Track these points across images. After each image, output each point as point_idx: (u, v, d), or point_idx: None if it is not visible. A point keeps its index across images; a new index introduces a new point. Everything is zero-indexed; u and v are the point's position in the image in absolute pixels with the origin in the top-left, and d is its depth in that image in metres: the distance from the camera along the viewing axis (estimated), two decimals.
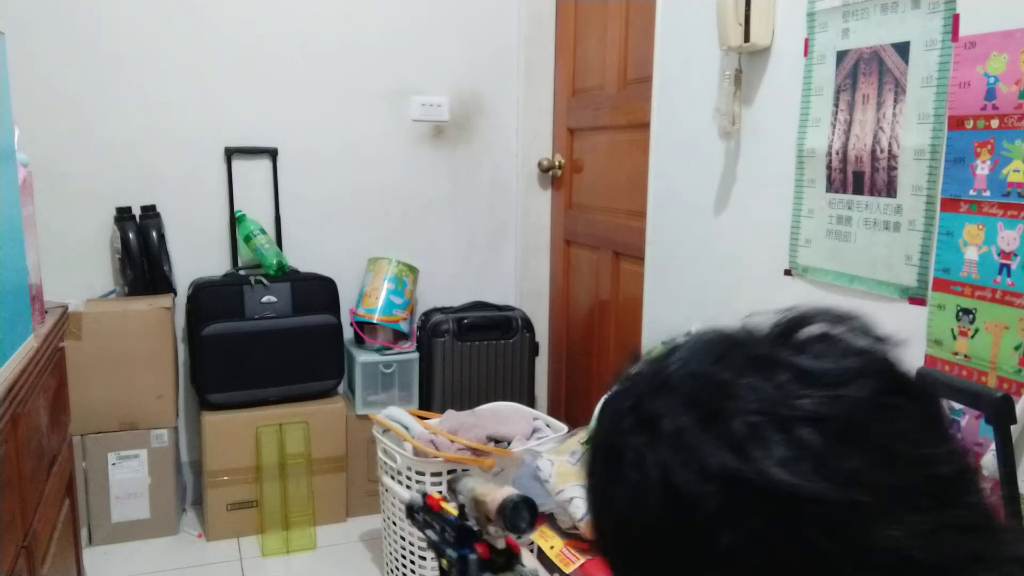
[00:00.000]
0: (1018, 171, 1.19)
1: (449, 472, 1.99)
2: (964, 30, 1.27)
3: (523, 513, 1.06)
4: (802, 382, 0.50)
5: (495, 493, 1.10)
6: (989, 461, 1.21)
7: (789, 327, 0.55)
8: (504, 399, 2.54)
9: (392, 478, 2.07)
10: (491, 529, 1.09)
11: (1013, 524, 0.53)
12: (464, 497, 1.16)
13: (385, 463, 2.10)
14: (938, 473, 0.50)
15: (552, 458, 1.71)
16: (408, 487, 2.01)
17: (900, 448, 0.49)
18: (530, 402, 2.70)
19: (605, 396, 0.60)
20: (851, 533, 0.47)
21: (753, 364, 0.52)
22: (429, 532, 1.23)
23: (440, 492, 1.36)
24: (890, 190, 1.41)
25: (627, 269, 2.44)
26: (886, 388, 0.51)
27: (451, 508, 1.21)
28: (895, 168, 1.40)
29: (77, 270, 2.49)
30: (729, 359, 0.53)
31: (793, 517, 0.47)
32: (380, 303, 2.62)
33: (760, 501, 0.47)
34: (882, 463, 0.48)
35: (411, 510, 1.28)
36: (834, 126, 1.53)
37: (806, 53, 1.59)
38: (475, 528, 1.13)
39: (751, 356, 0.53)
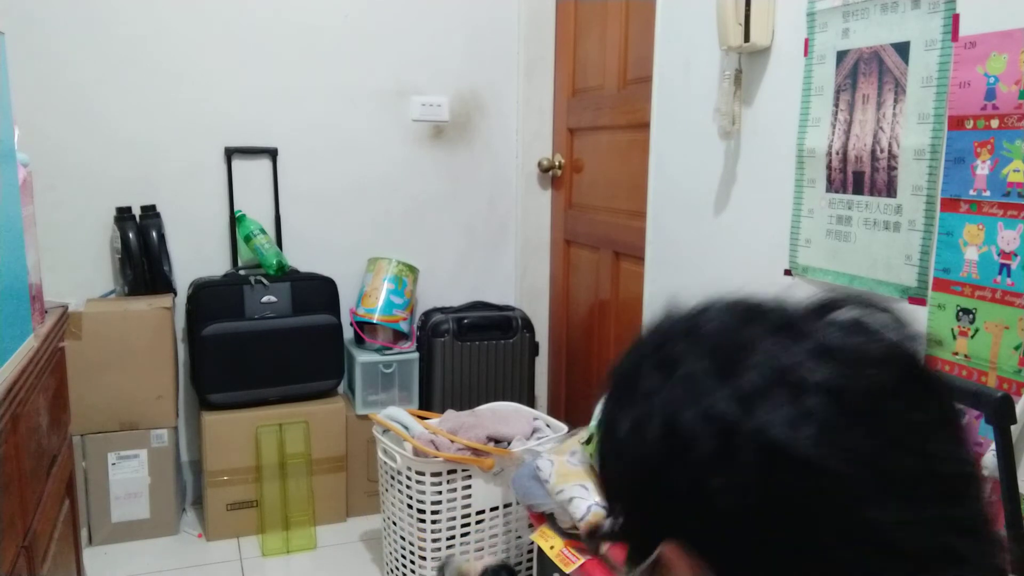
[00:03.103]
0: (1018, 171, 1.19)
1: (449, 472, 1.99)
2: (964, 30, 1.27)
3: None
4: (824, 355, 0.51)
5: (476, 565, 1.14)
6: (989, 461, 1.21)
7: (823, 305, 0.56)
8: (504, 399, 2.54)
9: (392, 477, 2.07)
10: None
11: (1004, 536, 0.54)
12: None
13: (385, 463, 2.11)
14: (940, 471, 0.50)
15: (552, 458, 1.71)
16: (408, 487, 2.01)
17: (907, 438, 0.50)
18: (530, 402, 2.70)
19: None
20: (839, 505, 0.48)
21: (780, 329, 0.53)
22: None
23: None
24: (890, 190, 1.41)
25: (627, 269, 2.44)
26: (906, 379, 0.52)
27: None
28: (895, 168, 1.40)
29: (77, 270, 2.49)
30: (759, 322, 0.55)
31: (785, 476, 0.48)
32: (380, 303, 2.62)
33: (755, 454, 0.48)
34: (886, 447, 0.49)
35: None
36: (834, 126, 1.53)
37: (806, 53, 1.59)
38: None
39: (780, 322, 0.54)
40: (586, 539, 0.64)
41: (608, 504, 0.61)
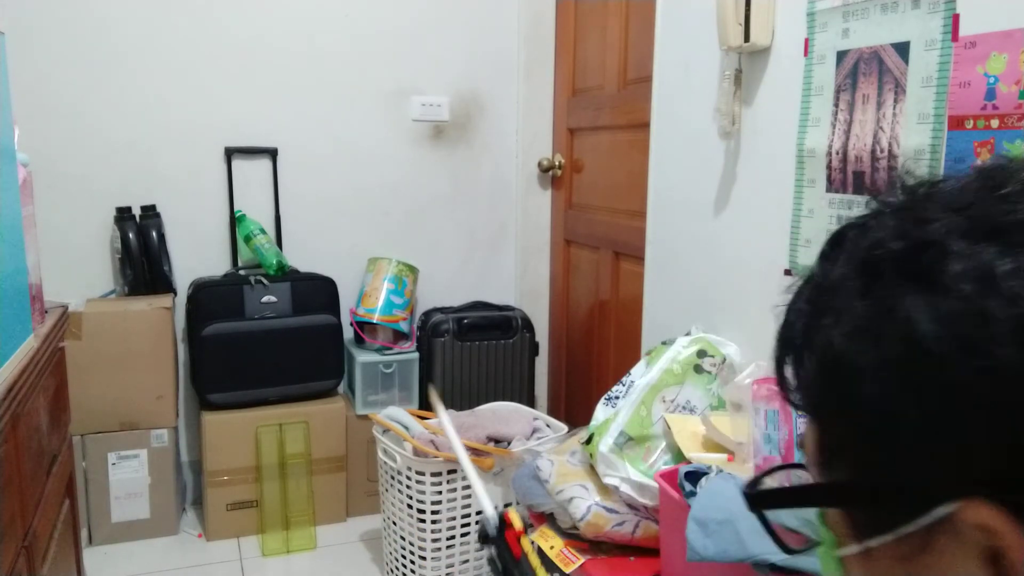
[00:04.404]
0: None
1: (449, 472, 1.99)
2: (964, 30, 1.27)
3: None
4: None
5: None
6: None
7: None
8: (504, 399, 2.54)
9: (392, 477, 2.07)
10: None
11: None
12: None
13: (385, 463, 2.11)
14: None
15: (552, 458, 1.71)
16: (408, 487, 2.01)
17: None
18: (530, 402, 2.70)
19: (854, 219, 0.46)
20: None
21: None
22: None
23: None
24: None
25: (627, 269, 2.44)
26: None
27: (531, 552, 1.07)
28: (895, 168, 1.40)
29: (77, 270, 2.49)
30: None
31: None
32: (380, 303, 2.62)
33: None
34: None
35: (484, 538, 1.13)
36: (834, 126, 1.53)
37: (806, 53, 1.59)
38: None
39: None
40: (751, 500, 0.47)
41: (833, 443, 0.44)
